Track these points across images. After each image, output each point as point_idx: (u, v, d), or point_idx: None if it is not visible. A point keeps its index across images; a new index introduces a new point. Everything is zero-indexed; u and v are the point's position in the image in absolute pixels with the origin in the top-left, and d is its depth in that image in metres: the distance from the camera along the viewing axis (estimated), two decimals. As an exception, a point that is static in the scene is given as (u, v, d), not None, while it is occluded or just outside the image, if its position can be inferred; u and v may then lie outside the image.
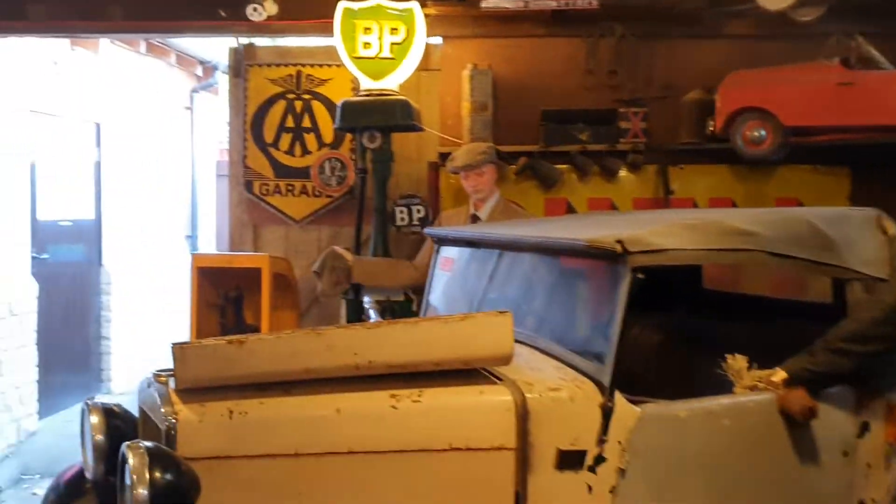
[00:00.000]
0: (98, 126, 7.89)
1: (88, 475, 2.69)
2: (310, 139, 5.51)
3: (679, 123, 5.12)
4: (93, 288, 7.90)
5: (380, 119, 4.71)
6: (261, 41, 5.68)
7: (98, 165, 7.93)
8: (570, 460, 2.44)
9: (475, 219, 4.45)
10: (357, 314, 4.45)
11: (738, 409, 2.59)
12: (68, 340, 7.50)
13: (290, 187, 5.51)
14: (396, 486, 2.39)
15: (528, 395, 2.44)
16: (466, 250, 3.55)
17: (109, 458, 2.52)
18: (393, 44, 4.71)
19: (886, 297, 2.66)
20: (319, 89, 5.48)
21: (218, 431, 2.31)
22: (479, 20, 5.20)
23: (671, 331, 3.56)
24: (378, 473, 2.38)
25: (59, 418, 7.00)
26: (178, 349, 2.35)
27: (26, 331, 6.68)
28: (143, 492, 2.10)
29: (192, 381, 2.37)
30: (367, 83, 4.75)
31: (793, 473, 2.61)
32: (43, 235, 7.05)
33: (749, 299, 3.80)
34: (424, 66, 5.08)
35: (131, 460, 2.15)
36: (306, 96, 5.50)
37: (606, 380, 2.47)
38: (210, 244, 9.96)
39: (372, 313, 3.84)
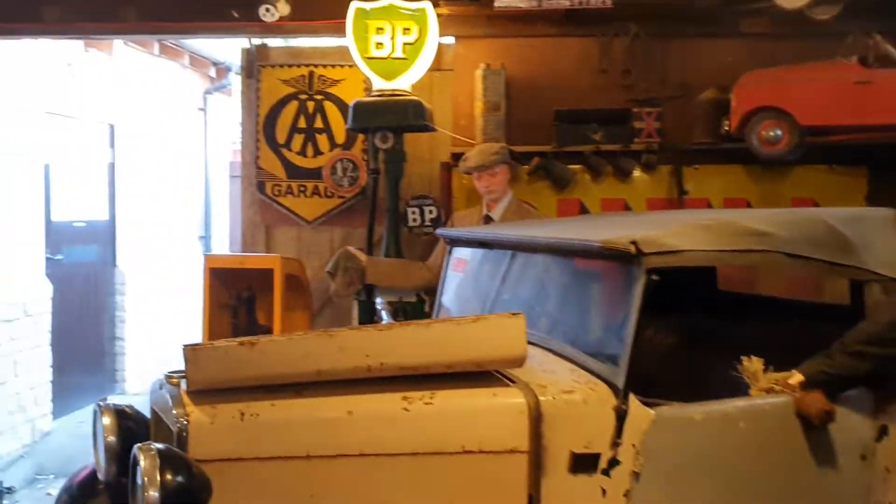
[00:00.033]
0: (112, 127, 7.93)
1: (101, 476, 2.69)
2: (322, 140, 5.51)
3: (693, 123, 5.09)
4: (107, 288, 7.94)
5: (392, 119, 4.70)
6: (273, 42, 5.69)
7: (112, 166, 7.97)
8: (583, 463, 2.42)
9: (488, 219, 4.43)
10: (369, 315, 4.44)
11: (754, 411, 2.56)
12: (82, 341, 7.54)
13: (302, 188, 5.51)
14: (408, 489, 2.37)
15: (541, 398, 2.42)
16: (479, 251, 3.53)
17: (121, 459, 2.52)
18: (405, 44, 4.70)
19: (905, 299, 2.63)
20: (332, 90, 5.48)
21: (229, 433, 2.30)
22: (491, 20, 5.19)
23: (685, 332, 3.53)
24: (390, 476, 2.36)
25: (73, 419, 7.03)
26: (190, 351, 2.34)
27: (41, 331, 6.72)
28: (154, 494, 2.09)
29: (203, 382, 2.36)
30: (379, 83, 4.74)
31: (809, 477, 2.57)
32: (57, 236, 7.09)
33: (764, 300, 3.77)
34: (437, 66, 5.07)
35: (142, 462, 2.14)
36: (318, 97, 5.50)
37: (620, 382, 2.45)
38: (223, 245, 9.99)
39: (384, 314, 3.83)
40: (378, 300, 4.13)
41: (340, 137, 5.47)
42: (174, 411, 2.32)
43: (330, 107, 5.48)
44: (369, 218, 4.98)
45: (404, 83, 4.75)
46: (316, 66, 5.50)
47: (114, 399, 3.15)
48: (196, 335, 5.08)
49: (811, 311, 3.48)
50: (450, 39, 5.30)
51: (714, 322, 3.55)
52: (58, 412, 6.95)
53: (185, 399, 2.35)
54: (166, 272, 8.72)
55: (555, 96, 5.17)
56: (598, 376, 2.52)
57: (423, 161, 5.34)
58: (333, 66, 5.47)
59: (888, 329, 2.57)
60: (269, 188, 5.54)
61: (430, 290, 4.25)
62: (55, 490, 4.69)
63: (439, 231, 4.16)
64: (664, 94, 5.16)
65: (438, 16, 4.82)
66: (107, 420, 2.65)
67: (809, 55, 4.78)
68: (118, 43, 7.49)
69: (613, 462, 2.42)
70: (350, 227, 5.47)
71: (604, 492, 2.42)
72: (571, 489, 2.41)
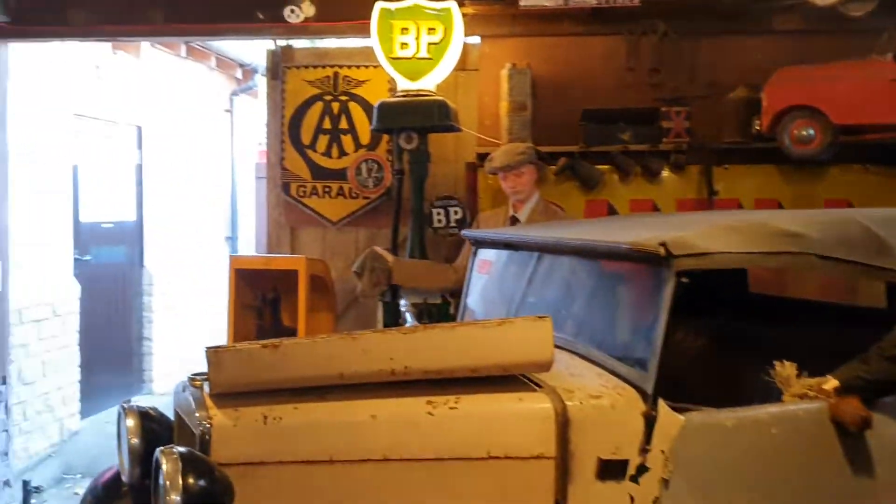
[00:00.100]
0: (139, 129, 8.00)
1: (124, 478, 2.70)
2: (347, 141, 5.50)
3: (723, 122, 5.00)
4: (134, 289, 8.00)
5: (417, 120, 4.68)
6: (298, 43, 5.70)
7: (139, 168, 8.03)
8: (611, 470, 2.37)
9: (514, 220, 4.39)
10: (394, 317, 4.42)
11: (788, 417, 2.49)
12: (110, 341, 7.60)
13: (326, 189, 5.51)
14: (432, 495, 2.34)
15: (568, 403, 2.37)
16: (504, 252, 3.49)
17: (145, 461, 2.51)
18: (430, 44, 4.68)
19: (945, 303, 2.56)
20: (356, 90, 5.47)
21: (252, 437, 2.29)
22: (517, 19, 5.14)
23: (716, 336, 3.47)
24: (414, 481, 2.33)
25: (100, 418, 7.09)
26: (213, 353, 2.33)
27: (69, 331, 6.78)
28: (176, 498, 2.08)
29: (226, 385, 2.34)
30: (404, 84, 4.73)
31: (845, 486, 2.51)
32: (85, 237, 7.16)
33: (797, 303, 3.68)
34: (462, 66, 5.05)
35: (165, 466, 2.13)
36: (343, 97, 5.49)
37: (649, 387, 2.40)
38: (250, 246, 10.04)
39: (408, 316, 3.80)
40: (402, 302, 4.11)
41: (365, 138, 5.46)
42: (197, 414, 2.31)
43: (355, 107, 5.47)
44: (394, 219, 4.97)
45: (429, 83, 4.72)
46: (341, 66, 5.50)
47: (139, 400, 3.16)
48: (222, 336, 5.09)
49: (845, 314, 3.40)
50: (475, 39, 5.26)
51: (745, 325, 3.49)
52: (85, 412, 7.01)
53: (208, 402, 2.34)
54: (193, 273, 8.77)
55: (581, 96, 5.10)
56: (627, 381, 2.47)
57: (448, 161, 5.31)
58: (358, 66, 5.46)
59: (927, 333, 2.50)
60: (294, 189, 5.54)
61: (456, 292, 4.22)
62: (82, 489, 4.70)
63: (464, 232, 4.13)
64: (693, 93, 5.07)
65: (463, 15, 4.79)
66: (130, 422, 2.65)
67: (843, 52, 4.67)
68: (145, 45, 7.56)
69: (642, 469, 2.37)
70: (375, 227, 5.46)
71: (632, 499, 2.37)
72: (599, 496, 2.37)
